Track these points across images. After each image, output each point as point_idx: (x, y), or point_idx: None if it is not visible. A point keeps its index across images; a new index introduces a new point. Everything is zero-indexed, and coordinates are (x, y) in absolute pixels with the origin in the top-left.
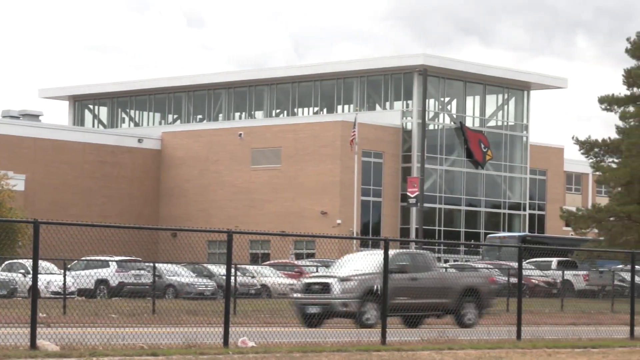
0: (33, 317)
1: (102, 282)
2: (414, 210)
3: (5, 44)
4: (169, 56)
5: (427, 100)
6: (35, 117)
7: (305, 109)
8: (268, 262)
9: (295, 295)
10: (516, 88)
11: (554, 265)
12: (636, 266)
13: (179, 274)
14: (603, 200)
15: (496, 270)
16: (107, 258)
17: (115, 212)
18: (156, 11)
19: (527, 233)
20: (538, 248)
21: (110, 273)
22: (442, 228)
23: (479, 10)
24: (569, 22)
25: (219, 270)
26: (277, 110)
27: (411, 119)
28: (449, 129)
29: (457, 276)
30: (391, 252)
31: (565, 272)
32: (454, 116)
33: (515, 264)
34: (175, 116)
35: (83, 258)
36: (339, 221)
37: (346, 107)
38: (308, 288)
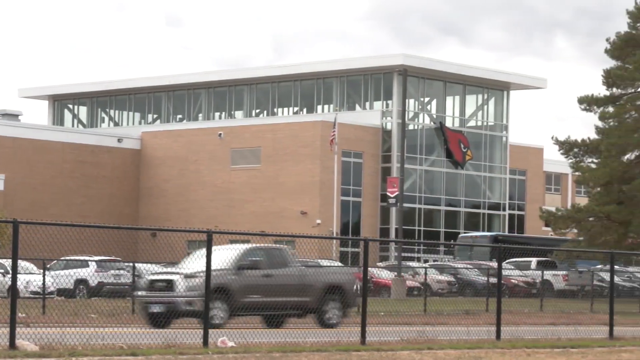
0: (12, 317)
1: (81, 282)
2: (393, 210)
3: None
4: (149, 56)
5: (407, 100)
6: (14, 116)
7: (285, 109)
8: None
9: (138, 293)
10: (496, 88)
11: (533, 265)
12: (615, 266)
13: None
14: (582, 201)
15: (475, 270)
16: (87, 258)
17: (95, 212)
18: (135, 11)
19: (499, 233)
20: (517, 248)
21: (90, 273)
22: (422, 228)
23: (458, 10)
24: (549, 22)
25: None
26: (257, 110)
27: (391, 119)
28: (429, 129)
29: (319, 273)
30: (243, 246)
31: (545, 272)
32: (434, 116)
33: (489, 264)
34: (155, 116)
35: (62, 258)
36: (318, 221)
37: (326, 107)
38: (152, 285)
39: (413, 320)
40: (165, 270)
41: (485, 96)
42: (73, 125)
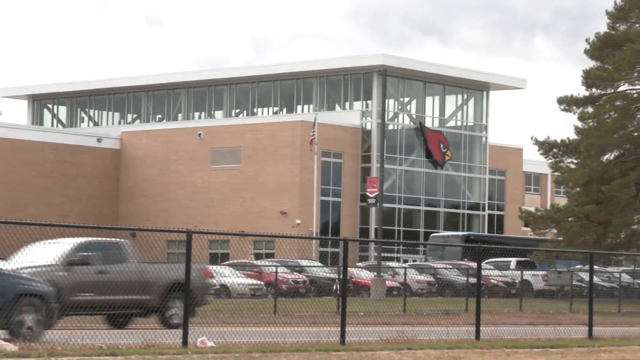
0: None
1: None
2: (373, 210)
3: None
4: (129, 56)
5: (386, 101)
6: None
7: (265, 109)
8: (227, 262)
9: None
10: (475, 88)
11: (512, 265)
12: (594, 266)
13: None
14: (562, 201)
15: (455, 270)
16: None
17: (75, 212)
18: (116, 10)
19: (471, 232)
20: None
21: None
22: (402, 228)
23: (438, 10)
24: (528, 23)
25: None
26: (237, 110)
27: (371, 119)
28: (409, 129)
29: (161, 269)
30: (74, 240)
31: (524, 272)
32: (414, 116)
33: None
34: (135, 116)
35: None
36: (298, 221)
37: (306, 107)
38: None
39: (393, 320)
40: None
41: (465, 96)
42: (52, 125)
